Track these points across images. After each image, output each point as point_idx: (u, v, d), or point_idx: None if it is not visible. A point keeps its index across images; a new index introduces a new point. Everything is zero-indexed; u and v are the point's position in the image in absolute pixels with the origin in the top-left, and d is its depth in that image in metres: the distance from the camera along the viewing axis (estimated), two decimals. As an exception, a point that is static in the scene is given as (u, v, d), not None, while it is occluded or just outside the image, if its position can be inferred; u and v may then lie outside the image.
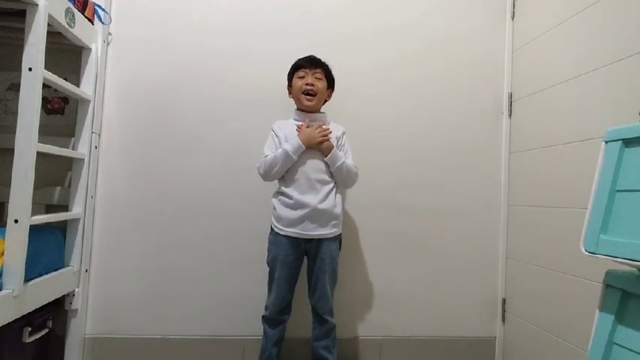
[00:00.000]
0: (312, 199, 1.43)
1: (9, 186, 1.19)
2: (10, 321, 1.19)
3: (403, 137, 1.86)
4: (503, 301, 1.85)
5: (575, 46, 1.49)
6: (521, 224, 1.77)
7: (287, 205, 1.46)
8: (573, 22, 1.50)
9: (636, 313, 0.85)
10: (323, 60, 1.57)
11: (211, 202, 1.76)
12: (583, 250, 0.91)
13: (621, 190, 0.87)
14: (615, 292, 0.89)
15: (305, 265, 1.54)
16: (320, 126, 1.49)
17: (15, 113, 1.20)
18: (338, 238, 1.53)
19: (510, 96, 1.88)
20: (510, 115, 1.88)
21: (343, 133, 1.58)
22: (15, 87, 1.67)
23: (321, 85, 1.54)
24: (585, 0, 1.43)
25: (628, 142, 0.88)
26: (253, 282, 1.74)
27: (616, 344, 0.87)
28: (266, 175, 1.49)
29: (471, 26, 1.91)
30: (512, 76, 1.88)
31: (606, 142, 0.93)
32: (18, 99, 1.19)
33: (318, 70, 1.54)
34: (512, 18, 1.90)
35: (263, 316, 1.53)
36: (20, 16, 1.27)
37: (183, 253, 1.75)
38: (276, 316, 1.50)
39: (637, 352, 0.82)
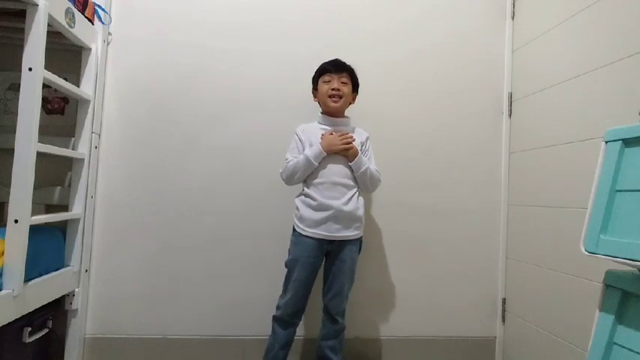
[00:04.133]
0: (335, 201, 1.44)
1: (9, 186, 1.18)
2: (10, 321, 1.19)
3: (403, 137, 1.86)
4: (503, 301, 1.85)
5: (575, 46, 1.49)
6: (521, 224, 1.77)
7: (310, 207, 1.47)
8: (573, 22, 1.50)
9: (636, 313, 0.85)
10: (348, 63, 1.57)
11: (211, 203, 1.76)
12: (583, 250, 0.91)
13: (621, 190, 0.87)
14: (615, 292, 0.89)
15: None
16: (343, 133, 1.49)
17: (15, 113, 1.20)
18: (359, 241, 1.54)
19: (510, 96, 1.88)
20: (510, 115, 1.88)
21: (367, 138, 1.59)
22: (15, 87, 1.67)
23: (347, 89, 1.55)
24: (585, 0, 1.43)
25: (628, 142, 0.88)
26: (254, 282, 1.74)
27: (616, 344, 0.87)
28: (288, 180, 1.51)
29: (471, 26, 1.91)
30: (512, 76, 1.88)
31: (606, 142, 0.93)
32: (18, 99, 1.19)
33: (343, 75, 1.55)
34: (512, 18, 1.90)
35: (274, 316, 1.51)
36: (20, 16, 1.27)
37: (183, 253, 1.75)
38: (289, 318, 1.49)
39: (637, 352, 0.82)
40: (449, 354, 1.83)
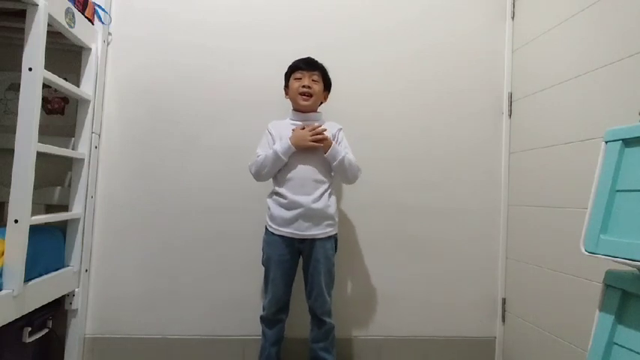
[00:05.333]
0: (305, 198, 1.44)
1: (9, 186, 1.19)
2: (10, 321, 1.19)
3: (403, 137, 1.86)
4: (503, 301, 1.85)
5: (575, 46, 1.49)
6: (521, 224, 1.77)
7: (281, 205, 1.46)
8: (573, 22, 1.50)
9: (636, 313, 0.85)
10: (320, 62, 1.57)
11: (211, 202, 1.77)
12: (583, 250, 0.91)
13: (621, 190, 0.87)
14: (615, 292, 0.89)
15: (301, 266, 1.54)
16: (314, 127, 1.47)
17: (15, 113, 1.20)
18: (333, 239, 1.52)
19: (510, 96, 1.88)
20: (510, 115, 1.88)
21: (339, 130, 1.58)
22: (15, 87, 1.67)
23: (318, 87, 1.54)
24: (585, 0, 1.43)
25: (628, 142, 0.88)
26: (253, 282, 1.74)
27: (616, 344, 0.87)
28: (257, 175, 1.50)
29: (471, 26, 1.91)
30: (512, 76, 1.88)
31: (606, 142, 0.92)
32: (18, 99, 1.19)
33: (315, 72, 1.54)
34: (513, 18, 1.90)
35: (261, 317, 1.53)
36: (20, 16, 1.27)
37: (183, 253, 1.75)
38: (272, 317, 1.50)
39: (637, 352, 0.82)
40: (449, 354, 1.83)
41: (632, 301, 0.86)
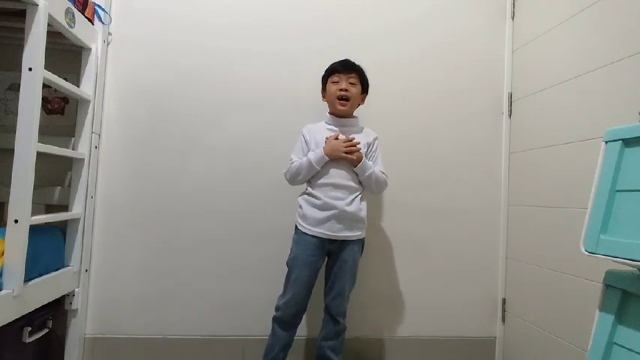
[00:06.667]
0: (339, 201, 1.45)
1: (9, 186, 1.18)
2: (10, 321, 1.19)
3: (403, 137, 1.86)
4: (503, 301, 1.85)
5: (575, 46, 1.49)
6: (521, 224, 1.77)
7: (314, 205, 1.47)
8: (573, 22, 1.50)
9: (636, 313, 0.85)
10: (357, 63, 1.57)
11: (211, 203, 1.76)
12: (583, 250, 0.91)
13: (621, 190, 0.87)
14: (615, 292, 0.89)
15: (323, 267, 1.53)
16: (348, 139, 1.48)
17: (15, 113, 1.19)
18: (361, 242, 1.54)
19: (510, 96, 1.88)
20: (510, 115, 1.88)
21: (375, 139, 1.58)
22: (15, 87, 1.67)
23: (355, 90, 1.54)
24: (585, 0, 1.43)
25: (628, 142, 0.88)
26: (253, 282, 1.74)
27: (616, 344, 0.87)
28: (292, 181, 1.52)
29: (471, 26, 1.91)
30: (512, 76, 1.88)
31: (606, 142, 0.93)
32: (18, 99, 1.19)
33: (352, 75, 1.54)
34: (513, 18, 1.90)
35: (274, 317, 1.50)
36: (20, 16, 1.26)
37: (183, 253, 1.75)
38: (290, 319, 1.48)
39: (637, 352, 0.82)
40: (449, 354, 1.83)
41: (632, 301, 0.86)
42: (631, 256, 0.81)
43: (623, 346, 0.86)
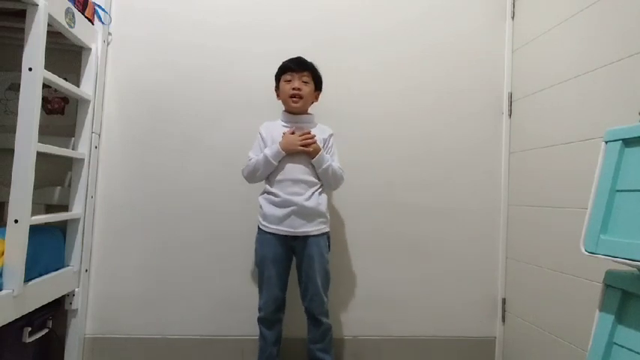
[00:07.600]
0: (298, 197, 1.45)
1: (9, 186, 1.18)
2: (10, 321, 1.19)
3: (403, 137, 1.86)
4: (503, 301, 1.85)
5: (575, 46, 1.49)
6: (521, 224, 1.77)
7: (273, 203, 1.47)
8: (573, 22, 1.50)
9: (636, 313, 0.85)
10: (309, 61, 1.56)
11: (211, 202, 1.77)
12: (583, 250, 0.91)
13: (621, 190, 0.87)
14: (615, 292, 0.89)
15: (294, 266, 1.54)
16: (304, 133, 1.48)
17: (15, 113, 1.20)
18: (325, 236, 1.52)
19: (510, 96, 1.88)
20: (510, 115, 1.88)
21: (330, 135, 1.58)
22: (15, 87, 1.67)
23: (308, 88, 1.54)
24: (585, 0, 1.43)
25: (628, 142, 0.88)
26: (253, 282, 1.74)
27: (616, 344, 0.87)
28: (250, 178, 1.53)
29: (471, 26, 1.91)
30: (512, 76, 1.88)
31: (606, 142, 0.92)
32: (18, 99, 1.19)
33: (305, 73, 1.54)
34: (513, 18, 1.90)
35: (258, 319, 1.52)
36: (20, 16, 1.27)
37: (183, 253, 1.75)
38: (271, 317, 1.50)
39: (637, 352, 0.82)
40: (449, 354, 1.83)
41: (632, 301, 0.86)
42: (631, 256, 0.81)
43: (623, 346, 0.86)
